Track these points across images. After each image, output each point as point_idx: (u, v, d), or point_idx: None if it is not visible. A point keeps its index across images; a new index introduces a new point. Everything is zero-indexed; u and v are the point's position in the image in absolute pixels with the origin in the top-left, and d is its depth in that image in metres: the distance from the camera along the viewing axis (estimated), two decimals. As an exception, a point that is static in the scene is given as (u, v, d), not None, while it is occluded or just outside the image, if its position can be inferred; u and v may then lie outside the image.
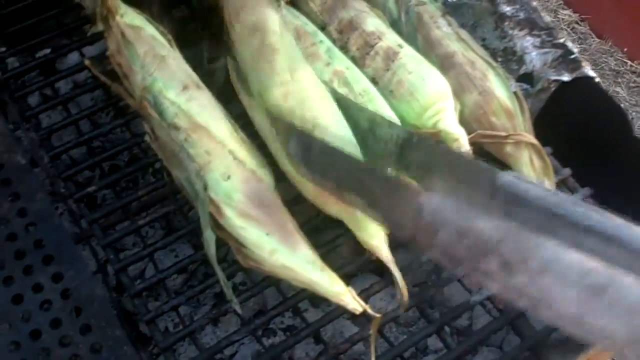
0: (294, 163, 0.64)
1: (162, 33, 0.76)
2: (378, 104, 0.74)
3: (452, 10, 0.83)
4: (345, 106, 0.68)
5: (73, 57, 0.98)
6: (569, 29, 2.18)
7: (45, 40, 0.91)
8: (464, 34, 0.79)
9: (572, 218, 0.37)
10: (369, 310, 0.62)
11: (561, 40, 0.77)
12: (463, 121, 0.75)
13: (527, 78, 0.80)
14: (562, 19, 2.20)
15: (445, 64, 0.77)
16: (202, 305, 0.89)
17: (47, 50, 0.97)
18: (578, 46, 2.14)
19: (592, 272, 0.31)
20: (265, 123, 0.70)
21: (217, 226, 0.66)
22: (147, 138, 0.72)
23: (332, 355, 0.69)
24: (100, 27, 0.77)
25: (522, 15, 0.80)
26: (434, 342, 0.88)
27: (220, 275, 0.65)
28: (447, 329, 0.89)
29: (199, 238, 0.70)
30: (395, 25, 0.82)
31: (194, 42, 0.80)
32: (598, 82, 0.75)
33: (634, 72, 2.05)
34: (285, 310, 0.72)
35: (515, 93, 0.76)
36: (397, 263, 0.71)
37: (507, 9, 0.84)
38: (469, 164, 0.43)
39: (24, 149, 0.83)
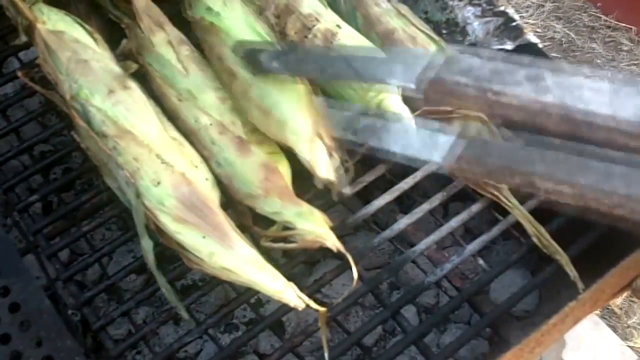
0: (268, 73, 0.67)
1: (88, 32, 0.74)
2: None
3: (391, -16, 0.81)
4: None
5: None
6: (541, -13, 2.15)
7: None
8: (403, 8, 0.77)
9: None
10: (313, 305, 0.61)
11: (501, 8, 0.75)
12: (407, 98, 0.73)
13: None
14: (534, -24, 2.17)
15: (386, 41, 0.75)
16: (164, 304, 0.88)
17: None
18: (551, 4, 2.11)
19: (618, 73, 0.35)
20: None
21: (159, 231, 0.65)
22: (83, 146, 0.70)
23: (289, 349, 0.68)
24: (23, 38, 0.75)
25: (460, -16, 0.78)
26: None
27: (161, 281, 0.64)
28: (413, 309, 0.89)
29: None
30: (334, 4, 0.80)
31: (125, 35, 0.78)
32: (542, 48, 0.73)
33: (609, 27, 2.02)
34: (237, 306, 0.70)
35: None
36: (354, 247, 0.70)
37: (445, -22, 0.81)
38: None
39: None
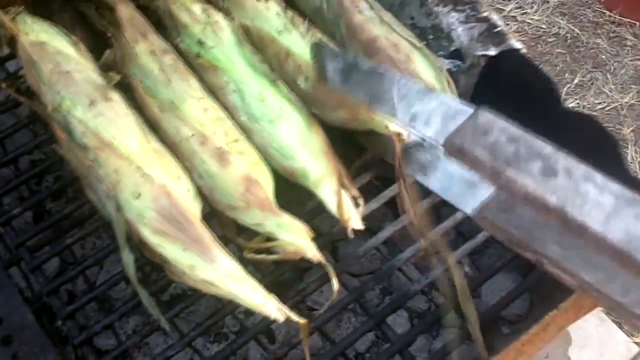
0: (332, 87, 0.65)
1: (72, 43, 0.74)
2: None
3: (378, -10, 0.80)
4: None
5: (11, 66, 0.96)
6: (546, -18, 2.13)
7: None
8: (387, 15, 0.76)
9: None
10: (293, 317, 0.61)
11: (485, 14, 0.74)
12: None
13: (458, 54, 0.77)
14: (539, -28, 2.15)
15: (368, 49, 0.74)
16: (154, 314, 0.88)
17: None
18: (555, 0, 2.10)
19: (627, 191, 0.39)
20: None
21: (142, 243, 0.65)
22: (65, 157, 0.70)
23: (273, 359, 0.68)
24: (5, 50, 0.75)
25: (445, -10, 0.77)
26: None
27: (143, 294, 0.64)
28: (405, 314, 0.88)
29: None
30: (318, 13, 0.79)
31: (110, 45, 0.78)
32: (524, 54, 0.72)
33: (613, 22, 2.01)
34: (222, 318, 0.70)
35: (442, 71, 0.73)
36: (343, 255, 0.69)
37: (429, -16, 0.80)
38: None
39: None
